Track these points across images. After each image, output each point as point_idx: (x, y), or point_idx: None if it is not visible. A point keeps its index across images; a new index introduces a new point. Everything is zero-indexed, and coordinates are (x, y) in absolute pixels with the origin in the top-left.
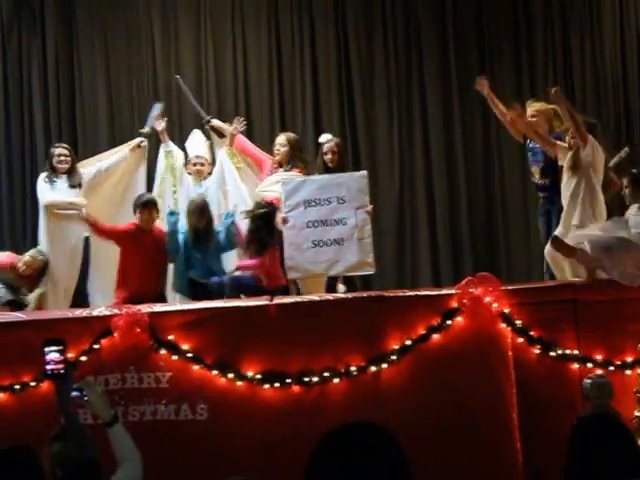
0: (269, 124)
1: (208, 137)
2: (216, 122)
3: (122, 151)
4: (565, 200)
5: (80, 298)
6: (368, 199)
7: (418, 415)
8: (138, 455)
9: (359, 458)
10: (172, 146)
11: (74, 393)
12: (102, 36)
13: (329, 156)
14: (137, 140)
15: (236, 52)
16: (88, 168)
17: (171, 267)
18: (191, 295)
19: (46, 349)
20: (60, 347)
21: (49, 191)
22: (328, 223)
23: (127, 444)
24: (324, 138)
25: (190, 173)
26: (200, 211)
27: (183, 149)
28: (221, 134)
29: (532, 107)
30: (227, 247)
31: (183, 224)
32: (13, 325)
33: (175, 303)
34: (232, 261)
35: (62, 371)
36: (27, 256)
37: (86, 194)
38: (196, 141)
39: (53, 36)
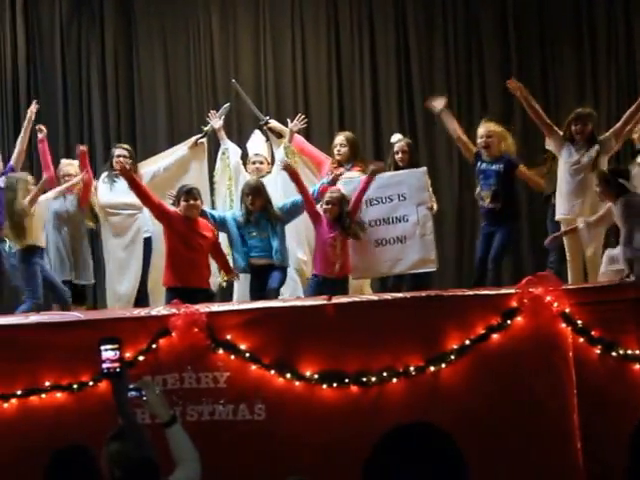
0: (328, 124)
1: (267, 138)
2: (274, 123)
3: (180, 150)
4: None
5: (140, 298)
6: (428, 195)
7: (477, 415)
8: (197, 455)
9: (416, 459)
10: (228, 144)
11: (133, 393)
12: (161, 33)
13: (400, 155)
14: (195, 138)
15: (295, 51)
16: (147, 169)
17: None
18: (251, 278)
19: (102, 348)
20: (116, 346)
21: (106, 192)
22: (390, 221)
23: (185, 444)
24: (395, 138)
25: (249, 172)
26: (253, 193)
27: (243, 148)
28: (279, 135)
29: (486, 127)
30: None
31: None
32: (71, 325)
33: (233, 302)
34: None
35: (118, 369)
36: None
37: None
38: (256, 140)
39: (112, 33)
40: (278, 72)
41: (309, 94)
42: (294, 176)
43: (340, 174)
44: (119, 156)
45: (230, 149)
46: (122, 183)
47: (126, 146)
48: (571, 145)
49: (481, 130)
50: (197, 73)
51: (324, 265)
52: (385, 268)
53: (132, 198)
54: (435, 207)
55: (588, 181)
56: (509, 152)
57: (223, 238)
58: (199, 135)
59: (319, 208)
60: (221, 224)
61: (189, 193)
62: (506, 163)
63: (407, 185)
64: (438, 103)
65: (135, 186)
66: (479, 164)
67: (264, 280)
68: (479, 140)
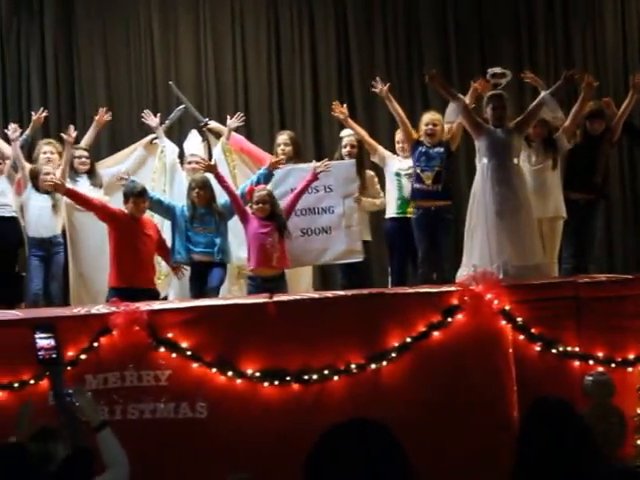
0: (268, 122)
1: (204, 138)
2: (213, 124)
3: (137, 150)
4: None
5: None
6: (356, 187)
7: (418, 412)
8: (125, 460)
9: (357, 455)
10: (166, 142)
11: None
12: (101, 32)
13: (348, 149)
14: (150, 137)
15: (235, 50)
16: (106, 169)
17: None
18: (191, 273)
19: (36, 335)
20: (50, 333)
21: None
22: (316, 211)
23: (115, 449)
24: (344, 132)
25: (186, 172)
26: (199, 186)
27: (181, 147)
28: (219, 135)
29: (431, 115)
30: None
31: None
32: (11, 323)
33: (174, 300)
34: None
35: (54, 356)
36: None
37: (107, 195)
38: (192, 140)
39: (52, 32)
40: (219, 71)
41: (250, 92)
42: (218, 177)
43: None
44: (80, 157)
45: (168, 148)
46: (83, 181)
47: (84, 146)
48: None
49: (427, 118)
50: (137, 72)
51: (261, 259)
52: (311, 258)
53: (95, 195)
54: (380, 202)
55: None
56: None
57: (167, 228)
58: (153, 135)
59: (248, 208)
60: (168, 210)
61: (139, 195)
62: (445, 147)
63: (334, 177)
64: (381, 89)
65: (72, 195)
66: (420, 148)
67: (204, 277)
68: (425, 127)
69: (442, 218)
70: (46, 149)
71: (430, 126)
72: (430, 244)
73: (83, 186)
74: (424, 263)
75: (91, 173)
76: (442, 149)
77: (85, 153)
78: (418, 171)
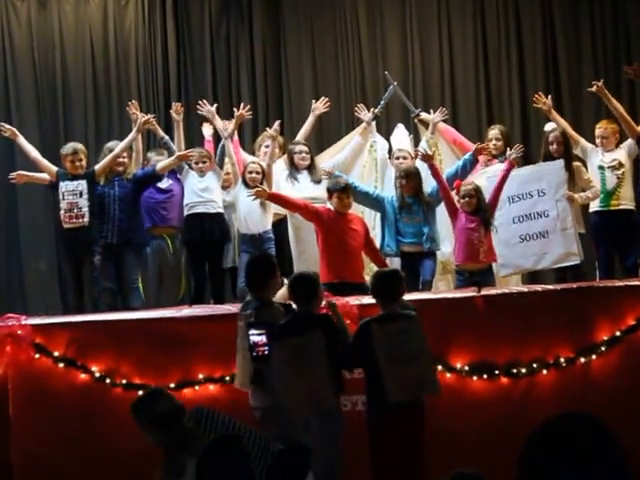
0: (476, 118)
1: (410, 131)
2: (425, 115)
3: (354, 139)
4: None
5: None
6: (566, 189)
7: (628, 407)
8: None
9: (572, 450)
10: (377, 137)
11: None
12: (309, 31)
13: (554, 146)
14: (364, 124)
15: (442, 44)
16: (325, 163)
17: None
18: (401, 265)
19: (250, 332)
20: (263, 330)
21: (289, 188)
22: (532, 216)
23: None
24: (549, 127)
25: (393, 166)
26: (407, 176)
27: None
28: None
29: None
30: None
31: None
32: (223, 318)
33: None
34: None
35: (266, 352)
36: None
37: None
38: (399, 135)
39: (260, 31)
40: (425, 65)
41: (456, 86)
42: (433, 168)
43: (482, 148)
44: (300, 152)
45: (378, 143)
46: (303, 178)
47: (304, 142)
48: None
49: None
50: (345, 68)
51: (468, 254)
52: (531, 263)
53: (316, 191)
54: (566, 193)
55: None
56: None
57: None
58: (364, 124)
59: (456, 203)
60: (376, 202)
61: (342, 190)
62: None
63: (547, 181)
64: (596, 86)
65: (275, 199)
66: None
67: (415, 268)
68: None
69: None
70: (268, 142)
71: None
72: None
73: (303, 183)
74: None
75: (311, 169)
76: None
77: (305, 148)
78: None
